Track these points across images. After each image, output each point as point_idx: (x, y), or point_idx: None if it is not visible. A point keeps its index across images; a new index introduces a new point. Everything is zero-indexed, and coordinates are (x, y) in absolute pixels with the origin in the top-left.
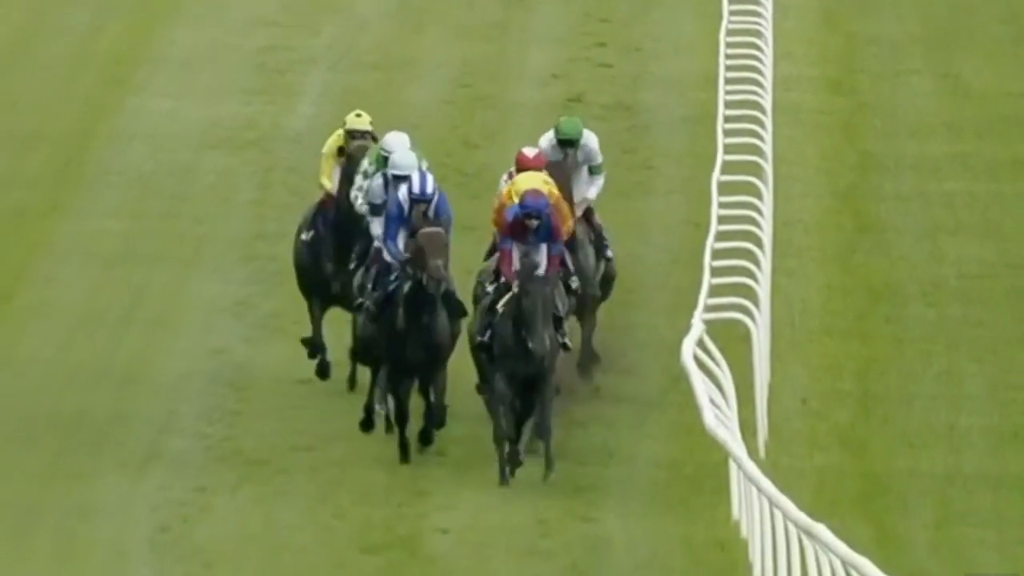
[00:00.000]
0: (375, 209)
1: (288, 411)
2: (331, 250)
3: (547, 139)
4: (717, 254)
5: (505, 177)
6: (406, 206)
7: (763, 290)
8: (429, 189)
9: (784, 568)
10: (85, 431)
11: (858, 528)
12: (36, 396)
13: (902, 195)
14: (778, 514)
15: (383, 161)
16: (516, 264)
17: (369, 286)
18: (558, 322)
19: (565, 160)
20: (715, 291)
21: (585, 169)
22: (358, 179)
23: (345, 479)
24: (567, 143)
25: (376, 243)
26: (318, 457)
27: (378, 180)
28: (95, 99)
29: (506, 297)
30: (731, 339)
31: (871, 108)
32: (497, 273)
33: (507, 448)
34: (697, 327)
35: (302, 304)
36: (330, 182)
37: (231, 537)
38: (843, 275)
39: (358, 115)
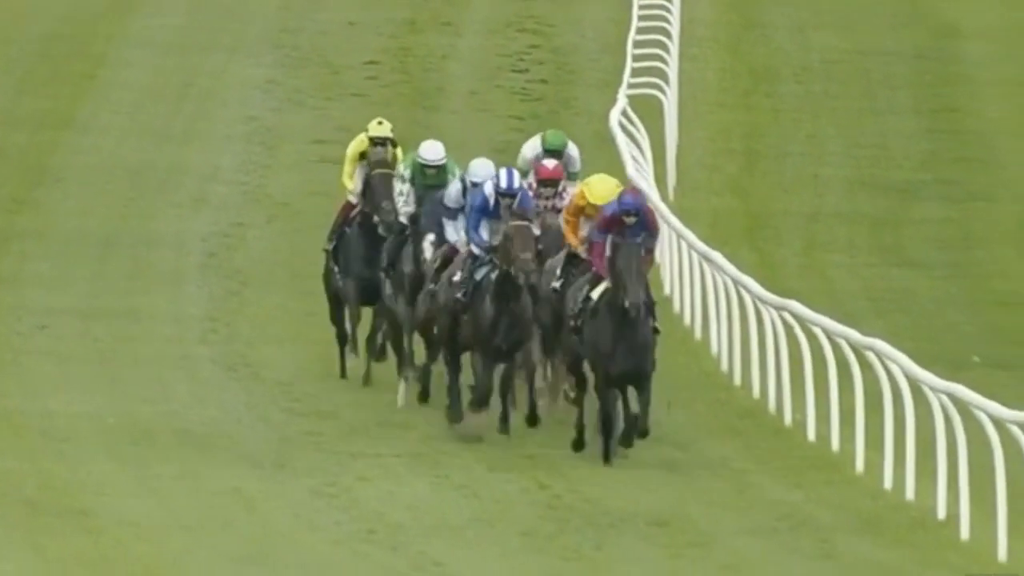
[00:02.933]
0: (451, 213)
1: (307, 164)
2: (360, 249)
3: (531, 148)
4: (637, 44)
5: (524, 186)
6: (491, 200)
7: (672, 72)
8: (516, 184)
9: (688, 285)
10: (150, 179)
11: (744, 255)
12: (113, 152)
13: None
14: (683, 244)
15: (419, 168)
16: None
17: (456, 277)
18: (649, 309)
19: None
20: (635, 72)
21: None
22: (396, 184)
23: None
24: (553, 153)
25: (452, 241)
26: (333, 201)
27: (456, 186)
28: None
29: (600, 287)
30: (647, 110)
31: None
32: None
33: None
34: (621, 100)
35: (321, 81)
36: (352, 182)
37: (263, 262)
38: (733, 60)
39: (380, 123)
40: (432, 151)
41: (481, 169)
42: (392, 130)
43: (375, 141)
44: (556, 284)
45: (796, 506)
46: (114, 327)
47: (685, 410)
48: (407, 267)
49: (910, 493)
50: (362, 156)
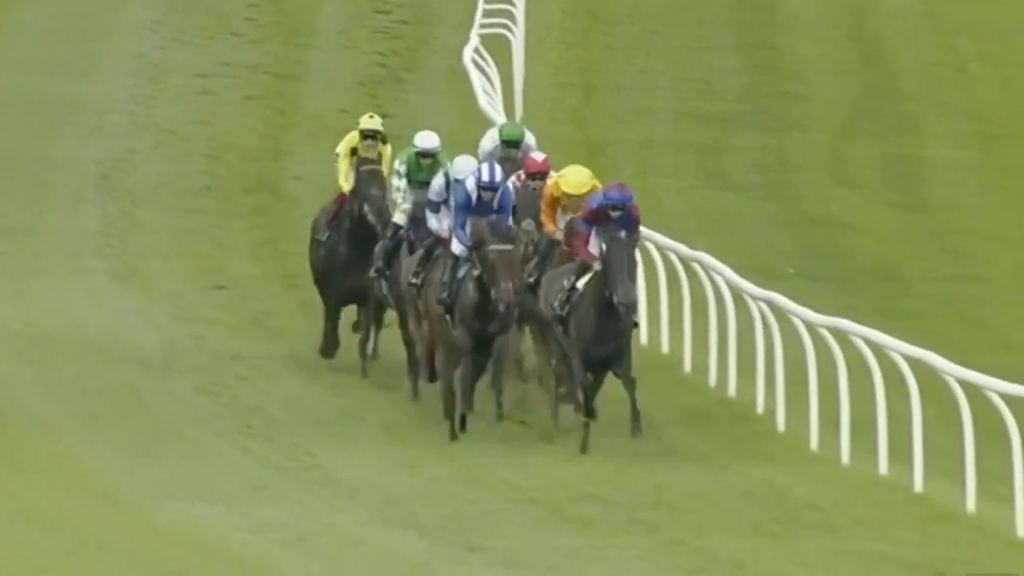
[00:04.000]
0: (433, 206)
1: (190, 96)
2: (348, 250)
3: (490, 140)
4: None
5: (513, 179)
6: (474, 195)
7: (519, 13)
8: (497, 178)
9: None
10: (50, 110)
11: None
12: (17, 85)
13: None
14: None
15: (415, 159)
16: (593, 246)
17: (440, 279)
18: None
19: (513, 158)
20: (487, 14)
21: None
22: (393, 180)
23: (237, 142)
24: (511, 144)
25: (434, 230)
26: (214, 129)
27: (440, 180)
28: None
29: (587, 276)
30: (497, 47)
31: None
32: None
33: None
34: (474, 38)
35: (204, 22)
36: (347, 182)
37: (152, 183)
38: (573, 2)
39: (371, 117)
40: (427, 140)
41: (464, 166)
42: (382, 124)
43: (365, 134)
44: (531, 279)
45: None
46: (18, 242)
47: None
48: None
49: (732, 390)
50: (353, 152)
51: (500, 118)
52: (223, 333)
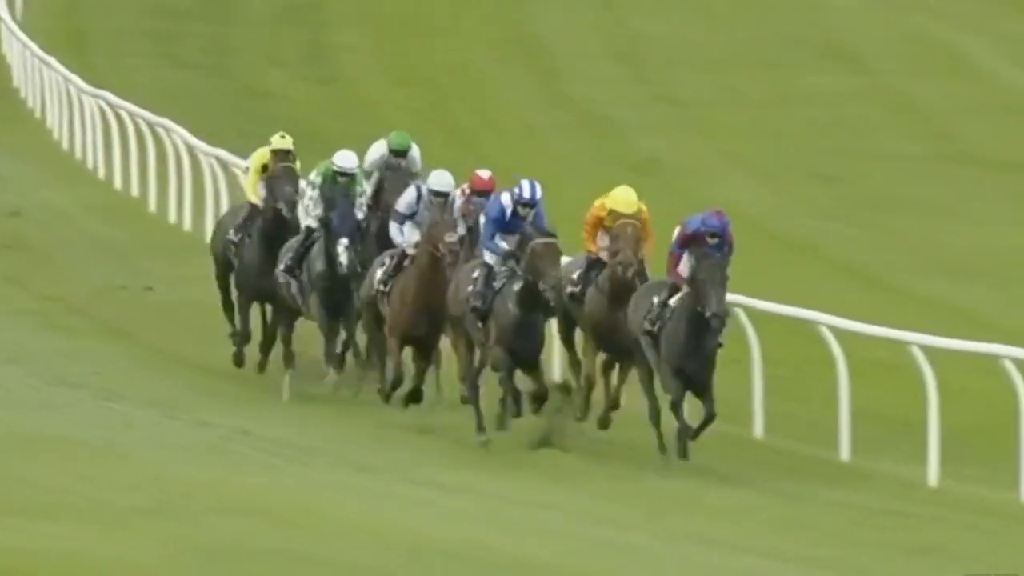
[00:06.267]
0: (399, 218)
1: None
2: (258, 254)
3: (377, 149)
4: None
5: (457, 193)
6: (508, 210)
7: None
8: (538, 195)
9: (31, 82)
10: None
11: (72, 61)
12: None
13: None
14: (28, 52)
15: (332, 175)
16: (684, 268)
17: (469, 288)
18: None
19: (399, 167)
20: None
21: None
22: (307, 191)
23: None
24: (399, 153)
25: (398, 243)
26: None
27: (411, 193)
28: None
29: (678, 295)
30: None
31: None
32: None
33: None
34: None
35: None
36: (256, 196)
37: None
38: None
39: (282, 136)
40: (347, 160)
41: (441, 179)
42: (293, 143)
43: (277, 154)
44: (575, 289)
45: None
46: None
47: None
48: (319, 266)
49: None
50: (264, 169)
51: (5, 13)
52: None
